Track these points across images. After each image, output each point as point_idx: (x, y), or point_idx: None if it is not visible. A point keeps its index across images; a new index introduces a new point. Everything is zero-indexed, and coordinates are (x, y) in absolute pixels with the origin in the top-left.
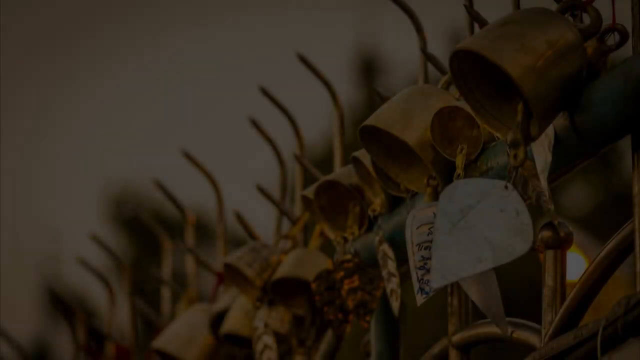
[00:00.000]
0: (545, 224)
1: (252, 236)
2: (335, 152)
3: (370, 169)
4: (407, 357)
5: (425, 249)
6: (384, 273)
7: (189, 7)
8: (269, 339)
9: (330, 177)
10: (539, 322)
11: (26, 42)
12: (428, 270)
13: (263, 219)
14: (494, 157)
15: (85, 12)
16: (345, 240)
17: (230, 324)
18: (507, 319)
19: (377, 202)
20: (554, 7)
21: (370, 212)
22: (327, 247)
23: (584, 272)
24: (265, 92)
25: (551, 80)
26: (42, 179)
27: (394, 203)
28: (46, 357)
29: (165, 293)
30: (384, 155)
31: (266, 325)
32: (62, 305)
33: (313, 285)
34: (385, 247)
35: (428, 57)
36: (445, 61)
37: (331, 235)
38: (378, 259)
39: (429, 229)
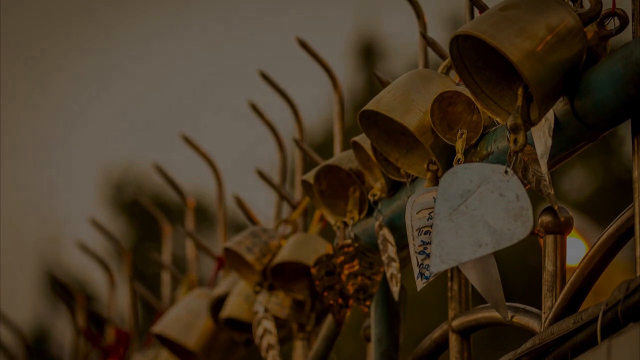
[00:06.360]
0: (545, 208)
1: (252, 221)
2: (335, 137)
3: (370, 153)
4: (407, 341)
5: (425, 233)
6: (384, 258)
7: None
8: (269, 324)
9: (330, 161)
10: (539, 306)
11: (28, 22)
12: (428, 255)
13: (263, 204)
14: (494, 141)
15: None
16: (345, 225)
17: (230, 309)
18: (507, 303)
19: (377, 186)
20: None
21: (370, 197)
22: (327, 232)
23: (584, 257)
24: (265, 77)
25: (551, 65)
26: (43, 163)
27: (394, 187)
28: (46, 341)
29: (165, 277)
30: (384, 139)
31: (266, 310)
32: (62, 289)
33: (313, 270)
34: (386, 231)
35: (428, 42)
36: (445, 46)
37: (331, 219)
38: (378, 243)
39: (429, 213)
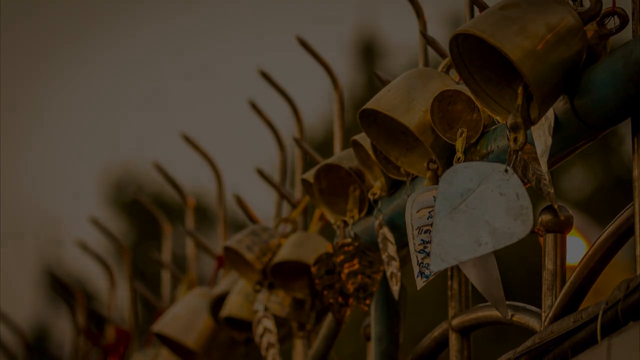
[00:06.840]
0: (545, 207)
1: (252, 219)
2: (335, 136)
3: (370, 152)
4: (407, 340)
5: (425, 232)
6: (384, 256)
7: None
8: (269, 323)
9: (330, 160)
10: (539, 305)
11: (24, 27)
12: (428, 254)
13: (263, 203)
14: (494, 140)
15: None
16: (345, 223)
17: (230, 308)
18: (507, 302)
19: (377, 185)
20: None
21: (370, 196)
22: (327, 231)
23: (584, 256)
24: (265, 76)
25: (551, 64)
26: (43, 162)
27: (394, 186)
28: (46, 340)
29: (165, 276)
30: (384, 138)
31: (266, 309)
32: (62, 288)
33: (313, 269)
34: (386, 230)
35: (428, 41)
36: (445, 45)
37: (331, 218)
38: (378, 242)
39: (429, 212)
